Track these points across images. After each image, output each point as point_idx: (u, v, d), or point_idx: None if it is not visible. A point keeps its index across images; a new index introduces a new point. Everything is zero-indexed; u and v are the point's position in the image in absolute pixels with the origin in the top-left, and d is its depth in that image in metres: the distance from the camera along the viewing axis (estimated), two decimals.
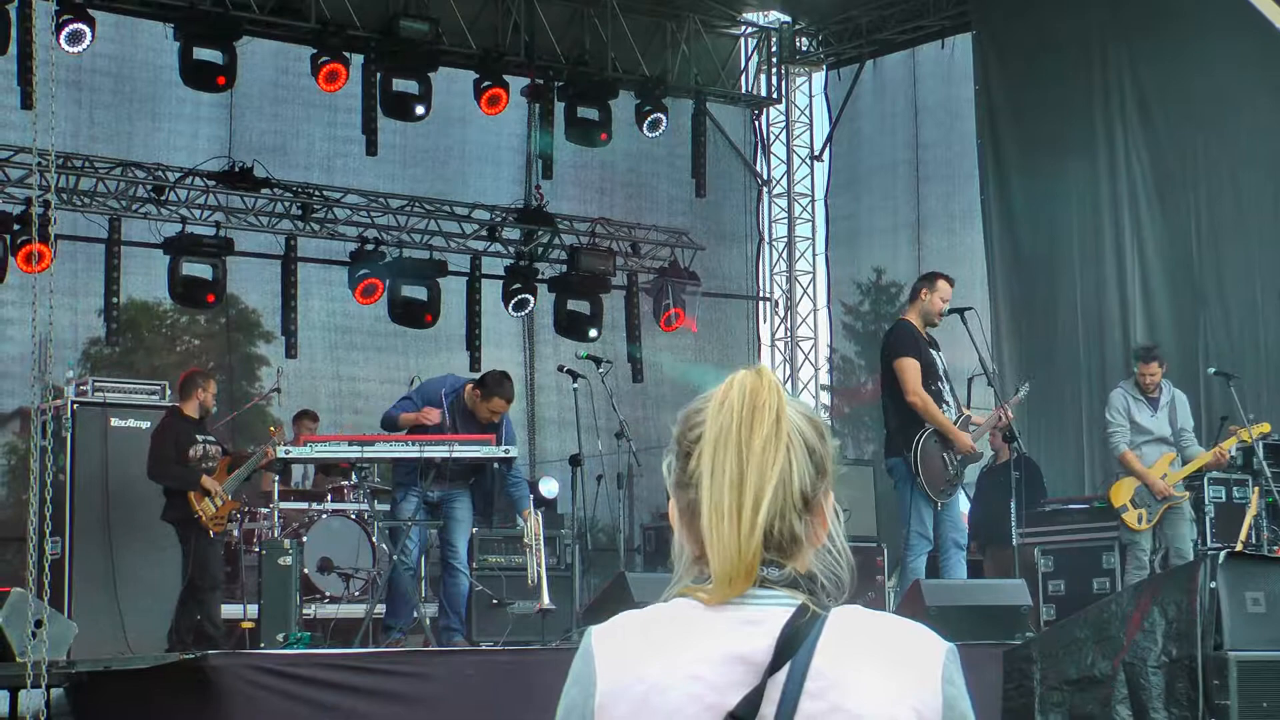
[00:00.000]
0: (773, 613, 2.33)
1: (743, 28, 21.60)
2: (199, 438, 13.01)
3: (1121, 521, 13.72)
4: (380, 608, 12.87)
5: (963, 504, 13.33)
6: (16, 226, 15.71)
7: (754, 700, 2.29)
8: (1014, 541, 13.41)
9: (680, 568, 2.43)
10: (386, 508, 15.00)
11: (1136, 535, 13.63)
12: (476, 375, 12.72)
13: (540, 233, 19.51)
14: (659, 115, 19.46)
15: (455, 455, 11.70)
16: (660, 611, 2.39)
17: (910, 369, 12.01)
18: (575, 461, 12.74)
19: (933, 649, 2.36)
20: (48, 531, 9.39)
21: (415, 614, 12.10)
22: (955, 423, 12.09)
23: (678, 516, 2.44)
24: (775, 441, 2.35)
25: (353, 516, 14.79)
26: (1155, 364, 13.85)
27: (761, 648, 2.30)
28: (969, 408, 12.97)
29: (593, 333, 18.92)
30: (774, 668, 2.29)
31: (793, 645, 2.30)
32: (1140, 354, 14.04)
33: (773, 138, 22.14)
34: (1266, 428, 13.82)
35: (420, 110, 17.73)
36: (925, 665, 2.34)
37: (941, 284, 12.38)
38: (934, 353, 12.24)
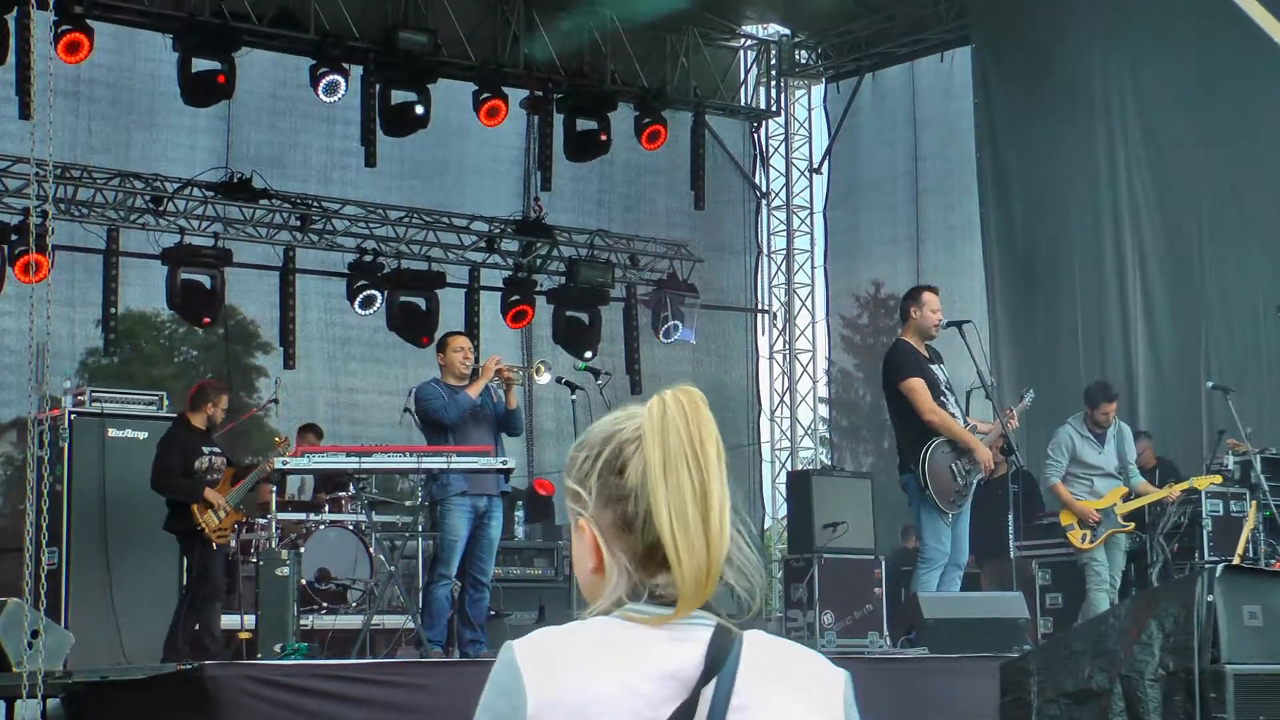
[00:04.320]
0: (696, 631, 2.41)
1: (742, 40, 21.62)
2: (205, 449, 13.00)
3: (1067, 539, 13.94)
4: (377, 619, 12.87)
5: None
6: (14, 236, 15.70)
7: (688, 710, 2.37)
8: (1011, 554, 13.43)
9: (612, 582, 2.47)
10: (385, 519, 15.00)
11: (1092, 553, 13.78)
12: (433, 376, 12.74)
13: (539, 244, 19.51)
14: (658, 127, 19.46)
15: (453, 467, 11.68)
16: (586, 628, 2.44)
17: (919, 389, 12.01)
18: None
19: (834, 676, 2.52)
20: (44, 542, 9.38)
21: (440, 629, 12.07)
22: None
23: (600, 534, 2.48)
24: (721, 456, 2.44)
25: (350, 527, 14.78)
26: (1114, 404, 14.17)
27: (691, 663, 2.39)
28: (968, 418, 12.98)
29: (588, 354, 18.84)
30: (704, 681, 2.38)
31: (718, 663, 2.38)
32: (1102, 393, 14.20)
33: (771, 150, 22.14)
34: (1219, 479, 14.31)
35: (418, 123, 17.75)
36: (829, 691, 2.50)
37: (927, 297, 12.38)
38: (935, 368, 12.24)
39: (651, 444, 2.42)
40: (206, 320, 17.41)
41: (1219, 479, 14.25)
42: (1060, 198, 18.10)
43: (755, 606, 2.47)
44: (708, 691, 2.37)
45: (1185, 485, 14.15)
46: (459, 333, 13.26)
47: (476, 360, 12.75)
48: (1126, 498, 13.93)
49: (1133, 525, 13.97)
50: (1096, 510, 13.80)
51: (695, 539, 2.38)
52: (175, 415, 13.62)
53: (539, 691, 2.39)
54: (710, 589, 2.39)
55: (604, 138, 19.05)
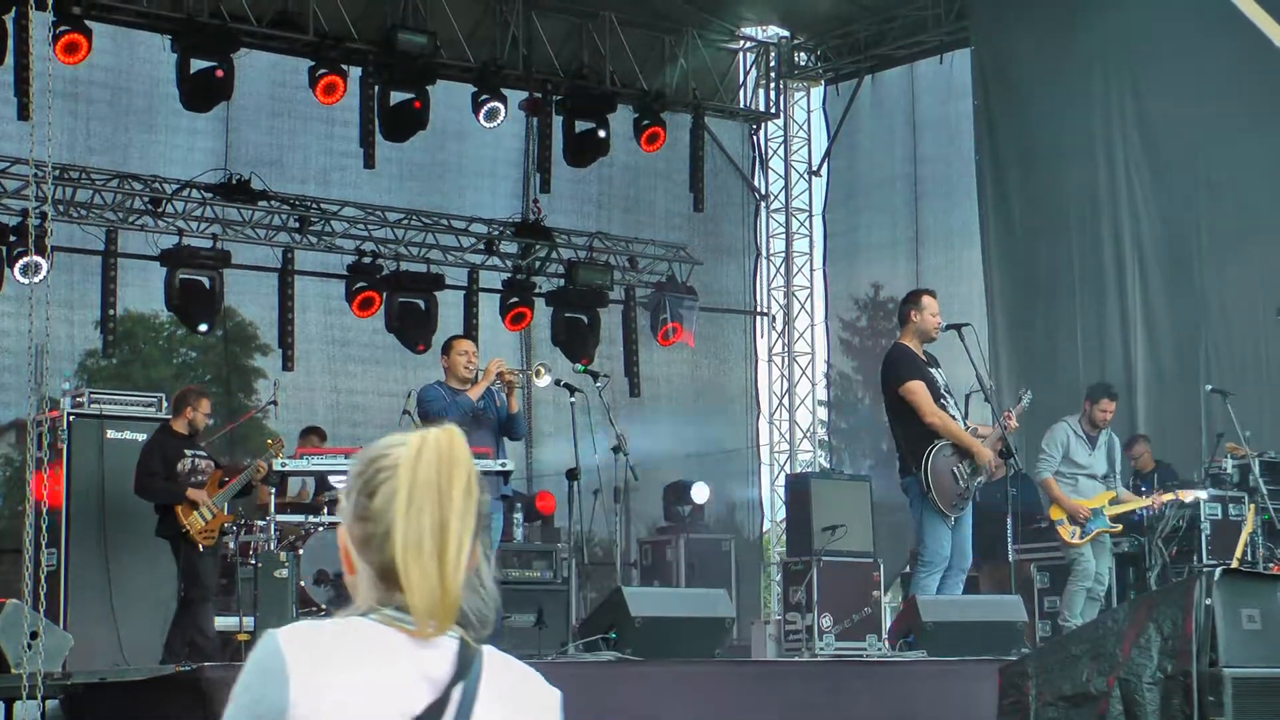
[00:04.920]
0: (446, 642, 2.67)
1: (741, 42, 21.61)
2: (188, 452, 12.97)
3: (1057, 534, 14.05)
4: None
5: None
6: (13, 238, 15.70)
7: (439, 708, 2.63)
8: (1010, 557, 13.43)
9: (364, 589, 2.72)
10: None
11: (1079, 550, 13.88)
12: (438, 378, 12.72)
13: (538, 246, 19.51)
14: (657, 129, 19.46)
15: None
16: (346, 625, 2.69)
17: (919, 391, 12.00)
18: (572, 475, 12.72)
19: (553, 694, 2.80)
20: (43, 543, 9.38)
21: None
22: None
23: (351, 544, 2.74)
24: (469, 495, 2.68)
25: None
26: (1114, 403, 14.33)
27: (441, 669, 2.65)
28: (968, 421, 12.98)
29: (579, 366, 18.83)
30: (453, 684, 2.65)
31: (464, 670, 2.66)
32: (1104, 391, 14.34)
33: (771, 152, 22.13)
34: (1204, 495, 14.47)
35: (417, 123, 17.77)
36: (550, 707, 2.79)
37: (926, 300, 12.38)
38: (934, 371, 12.24)
39: (402, 477, 2.66)
40: (204, 328, 17.39)
41: (1202, 494, 14.35)
42: (1059, 200, 18.10)
43: (488, 629, 2.72)
44: (456, 694, 2.64)
45: (1169, 496, 14.29)
46: (463, 336, 13.26)
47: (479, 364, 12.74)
48: (1112, 503, 14.05)
49: (1120, 527, 14.08)
50: (1086, 509, 13.89)
51: (429, 569, 2.62)
52: (159, 422, 13.62)
53: (302, 680, 2.58)
54: (446, 615, 2.64)
55: (602, 134, 19.06)
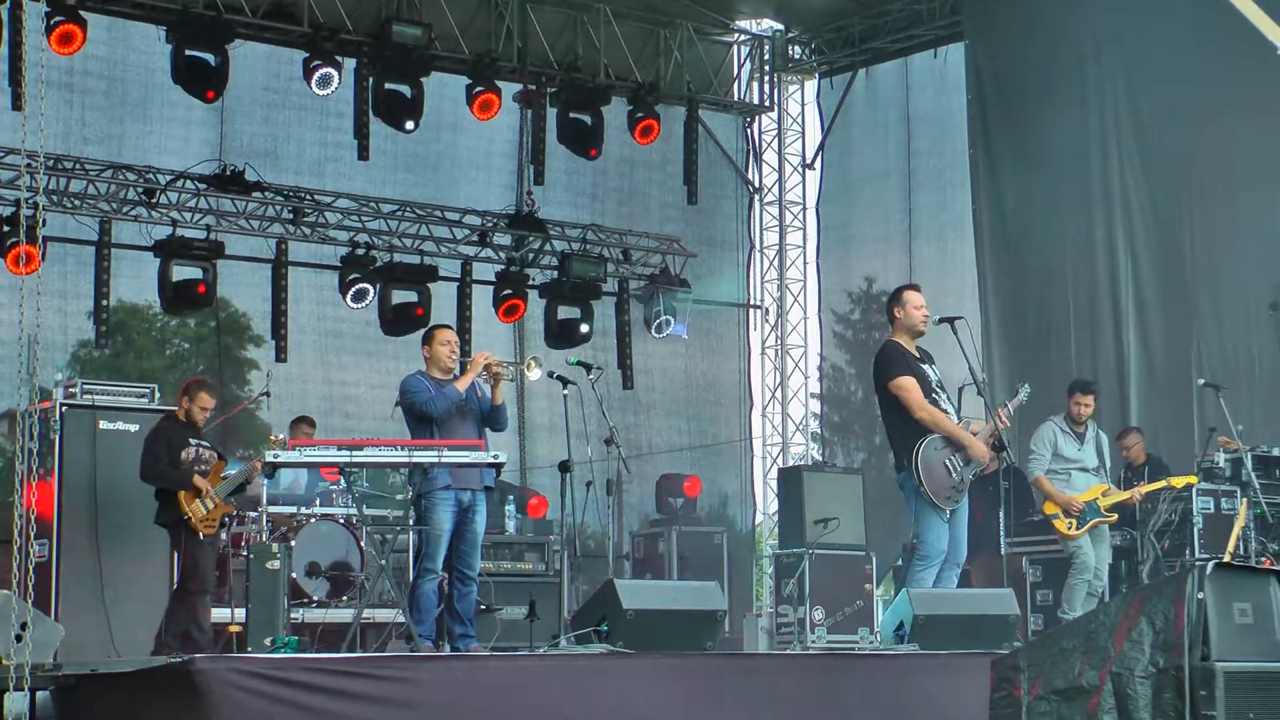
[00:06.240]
0: None
1: (735, 35, 21.61)
2: (192, 441, 13.00)
3: (1054, 528, 14.17)
4: (368, 612, 12.86)
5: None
6: (5, 228, 15.68)
7: None
8: (1002, 551, 13.45)
9: None
10: (376, 512, 15.00)
11: (1077, 543, 13.95)
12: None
13: (531, 239, 19.50)
14: (651, 122, 19.45)
15: (445, 461, 11.64)
16: None
17: (909, 387, 11.99)
18: (565, 468, 12.71)
19: None
20: (34, 534, 9.37)
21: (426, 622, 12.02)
22: None
23: None
24: None
25: (341, 521, 14.77)
26: (1092, 397, 14.48)
27: None
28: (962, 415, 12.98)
29: (584, 327, 19.03)
30: None
31: None
32: (1079, 386, 14.53)
33: (765, 145, 22.14)
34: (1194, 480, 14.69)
35: (410, 124, 17.77)
36: None
37: (909, 295, 12.38)
38: (925, 366, 12.22)
39: None
40: (202, 288, 17.21)
41: (1194, 479, 14.42)
42: (1052, 195, 18.10)
43: None
44: None
45: (1161, 484, 14.43)
46: (445, 326, 13.13)
47: (464, 354, 12.68)
48: (1104, 494, 14.11)
49: (1115, 516, 14.15)
50: (1079, 501, 13.96)
51: None
52: (165, 411, 13.62)
53: None
54: None
55: (594, 154, 19.15)
